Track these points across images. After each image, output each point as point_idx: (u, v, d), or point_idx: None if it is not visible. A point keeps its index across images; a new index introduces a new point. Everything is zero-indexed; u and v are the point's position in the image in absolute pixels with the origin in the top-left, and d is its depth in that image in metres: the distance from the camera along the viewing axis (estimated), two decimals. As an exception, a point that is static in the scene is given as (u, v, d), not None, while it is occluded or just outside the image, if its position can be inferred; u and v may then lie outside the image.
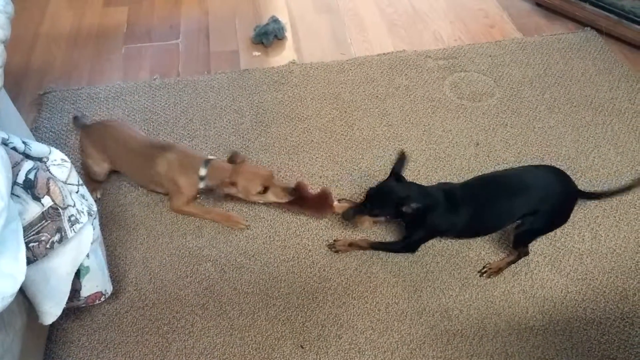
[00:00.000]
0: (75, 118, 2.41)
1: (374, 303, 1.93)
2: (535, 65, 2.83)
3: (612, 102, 2.63)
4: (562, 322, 1.89)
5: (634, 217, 2.17)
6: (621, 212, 2.18)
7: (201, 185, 2.06)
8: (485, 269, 2.00)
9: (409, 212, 1.81)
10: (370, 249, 2.05)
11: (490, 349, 1.82)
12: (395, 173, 1.93)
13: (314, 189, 2.14)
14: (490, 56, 2.88)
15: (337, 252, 2.05)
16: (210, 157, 2.11)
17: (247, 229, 2.12)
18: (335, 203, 2.10)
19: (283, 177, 2.30)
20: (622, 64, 2.82)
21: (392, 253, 2.06)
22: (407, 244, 2.00)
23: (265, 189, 2.01)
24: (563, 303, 1.93)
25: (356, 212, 1.95)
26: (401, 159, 1.98)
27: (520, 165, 2.28)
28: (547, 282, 1.98)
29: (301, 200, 2.07)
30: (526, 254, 1.98)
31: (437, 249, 2.07)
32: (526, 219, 1.89)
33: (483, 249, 2.07)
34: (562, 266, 2.03)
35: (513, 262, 1.99)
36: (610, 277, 2.00)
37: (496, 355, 1.81)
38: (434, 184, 2.04)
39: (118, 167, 2.21)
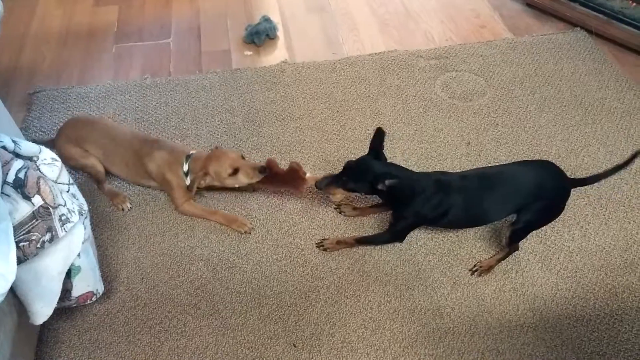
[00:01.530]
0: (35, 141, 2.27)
1: (366, 301, 1.94)
2: (525, 65, 2.85)
3: (601, 101, 2.65)
4: (553, 319, 1.90)
5: (623, 215, 2.19)
6: (610, 210, 2.20)
7: (187, 181, 2.06)
8: (476, 267, 2.01)
9: (383, 189, 1.80)
10: (357, 244, 2.06)
11: (482, 346, 1.83)
12: (374, 149, 1.89)
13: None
14: (481, 56, 2.90)
15: (325, 250, 2.06)
16: (192, 151, 2.11)
17: (250, 232, 2.12)
18: (308, 175, 2.08)
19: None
20: (611, 64, 2.85)
21: (379, 245, 2.06)
22: (393, 232, 1.99)
23: (235, 171, 2.00)
24: (553, 300, 1.95)
25: (330, 182, 1.90)
26: (379, 135, 1.89)
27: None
28: (538, 280, 2.00)
29: (274, 177, 2.07)
30: (516, 249, 2.00)
31: (428, 248, 2.08)
32: (521, 214, 1.89)
33: (474, 247, 2.08)
34: (552, 264, 2.04)
35: (503, 258, 2.00)
36: (600, 274, 2.02)
37: (487, 352, 1.82)
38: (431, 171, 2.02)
39: (102, 160, 2.18)
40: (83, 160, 2.15)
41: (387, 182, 1.77)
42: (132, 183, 2.25)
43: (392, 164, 1.92)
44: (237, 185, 2.08)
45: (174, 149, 2.13)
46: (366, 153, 1.91)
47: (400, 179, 1.81)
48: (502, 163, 2.34)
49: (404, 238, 2.01)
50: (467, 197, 1.88)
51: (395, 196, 1.87)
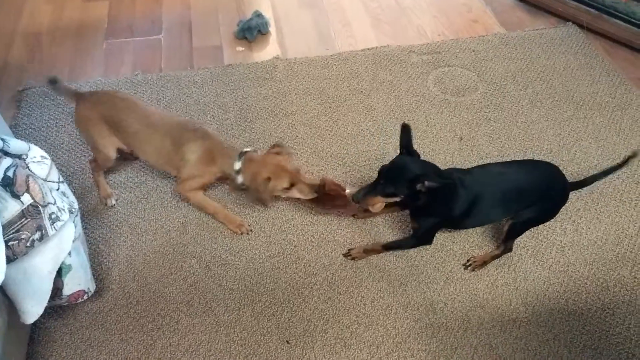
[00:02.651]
0: (53, 82, 2.07)
1: (360, 297, 1.94)
2: (517, 60, 2.85)
3: (593, 96, 2.66)
4: (545, 314, 1.91)
5: (615, 209, 2.20)
6: (602, 204, 2.21)
7: (239, 180, 2.00)
8: (469, 262, 2.02)
9: (423, 190, 1.66)
10: (384, 251, 2.02)
11: (475, 341, 1.84)
12: (406, 147, 1.76)
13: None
14: (473, 51, 2.90)
15: (353, 259, 2.03)
16: (246, 149, 2.05)
17: (248, 234, 2.10)
18: (347, 191, 1.99)
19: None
20: (602, 58, 2.86)
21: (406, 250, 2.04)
22: (421, 236, 1.92)
23: (292, 185, 1.96)
24: (545, 295, 1.96)
25: (367, 192, 1.75)
26: (406, 131, 1.76)
27: (505, 159, 2.31)
28: (530, 275, 2.01)
29: (323, 197, 2.02)
30: (510, 250, 2.00)
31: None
32: (523, 212, 1.88)
33: (467, 243, 2.09)
34: (544, 259, 2.05)
35: (498, 256, 2.00)
36: (592, 268, 2.03)
37: (480, 347, 1.83)
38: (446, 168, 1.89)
39: (131, 144, 2.07)
40: (101, 140, 2.03)
41: (426, 183, 1.64)
42: (157, 169, 2.18)
43: (428, 162, 1.80)
44: (284, 197, 2.05)
45: (221, 141, 2.05)
46: (398, 153, 1.79)
47: (440, 179, 1.70)
48: (494, 159, 2.35)
49: (432, 240, 1.94)
50: (489, 195, 1.82)
51: (432, 197, 1.72)
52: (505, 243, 1.98)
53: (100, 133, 2.03)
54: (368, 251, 2.03)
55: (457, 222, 1.93)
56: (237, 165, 2.00)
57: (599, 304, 1.94)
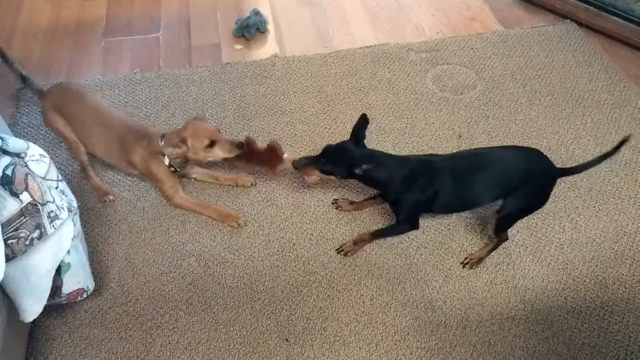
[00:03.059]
0: (24, 79, 2.30)
1: (359, 295, 1.94)
2: (516, 57, 2.85)
3: (591, 93, 2.66)
4: (544, 312, 1.91)
5: (613, 207, 2.20)
6: (600, 202, 2.22)
7: (165, 161, 2.03)
8: (467, 260, 2.02)
9: (360, 173, 1.82)
10: (373, 239, 2.04)
11: (473, 339, 1.84)
12: (355, 135, 1.88)
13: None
14: (471, 49, 2.90)
15: (346, 255, 2.04)
16: (165, 132, 2.08)
17: (245, 226, 2.11)
18: (286, 155, 2.07)
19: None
20: (601, 56, 2.86)
21: (395, 236, 2.07)
22: (404, 220, 1.96)
23: (212, 143, 1.97)
24: (544, 293, 1.96)
25: (307, 163, 1.90)
26: (362, 121, 1.89)
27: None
28: (529, 273, 2.01)
29: (251, 155, 2.07)
30: (505, 239, 2.00)
31: (420, 241, 2.08)
32: (507, 201, 1.89)
33: (466, 240, 2.09)
34: (543, 256, 2.05)
35: (493, 249, 2.01)
36: (590, 266, 2.03)
37: (479, 345, 1.83)
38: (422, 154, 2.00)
39: (84, 141, 2.17)
40: (65, 132, 2.15)
41: (364, 166, 1.79)
42: (113, 168, 2.23)
43: (372, 150, 1.92)
44: (211, 159, 2.04)
45: (152, 134, 2.08)
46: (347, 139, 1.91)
47: (377, 163, 1.82)
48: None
49: (417, 224, 1.97)
50: (456, 178, 1.85)
51: (374, 181, 1.89)
52: (497, 235, 1.98)
53: (59, 123, 2.14)
54: (357, 242, 2.03)
55: (433, 206, 1.93)
56: (162, 144, 2.00)
57: (598, 302, 1.94)
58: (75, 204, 1.61)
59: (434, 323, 1.88)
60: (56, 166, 1.63)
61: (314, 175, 1.93)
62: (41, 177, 1.49)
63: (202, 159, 2.02)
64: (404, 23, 3.12)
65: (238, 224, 2.10)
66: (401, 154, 2.00)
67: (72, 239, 1.54)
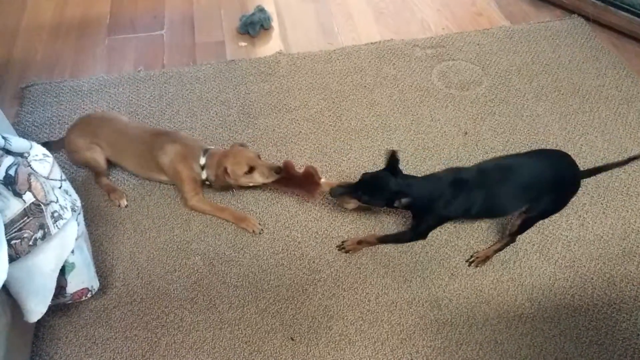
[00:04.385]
0: (47, 144, 2.21)
1: (364, 294, 1.93)
2: (522, 53, 2.83)
3: (599, 89, 2.63)
4: (551, 310, 1.90)
5: (621, 204, 2.18)
6: (608, 199, 2.19)
7: (203, 175, 2.07)
8: (472, 258, 2.00)
9: (399, 206, 1.79)
10: (379, 243, 2.02)
11: (480, 337, 1.83)
12: (391, 164, 1.84)
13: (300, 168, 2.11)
14: (478, 44, 2.87)
15: (347, 252, 2.03)
16: (209, 147, 2.13)
17: (261, 233, 2.09)
18: (323, 180, 2.06)
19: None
20: (609, 51, 2.83)
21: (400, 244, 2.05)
22: (417, 233, 1.95)
23: (251, 169, 2.00)
24: (551, 290, 1.94)
25: (345, 192, 1.88)
26: (393, 157, 1.85)
27: (510, 153, 2.28)
28: (536, 270, 1.99)
29: (289, 179, 2.06)
30: (513, 241, 1.99)
31: (426, 239, 2.05)
32: (536, 204, 1.86)
33: (472, 238, 2.07)
34: (550, 254, 2.03)
35: (500, 249, 1.99)
36: (598, 263, 2.01)
37: (485, 343, 1.82)
38: (442, 170, 1.94)
39: (116, 158, 2.18)
40: (88, 152, 2.13)
41: (403, 200, 1.77)
42: (144, 178, 2.22)
43: (409, 177, 1.86)
44: (251, 184, 2.07)
45: (189, 142, 2.13)
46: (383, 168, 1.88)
47: (415, 196, 1.78)
48: (499, 153, 2.33)
49: (427, 236, 1.96)
50: (488, 192, 1.82)
51: (414, 209, 1.88)
52: (515, 235, 1.96)
53: (84, 146, 2.14)
54: (362, 242, 2.02)
55: (461, 218, 1.93)
56: (202, 160, 2.06)
57: (606, 300, 1.92)
58: (79, 203, 1.61)
59: (440, 321, 1.87)
60: (60, 165, 1.62)
61: (351, 204, 1.92)
62: (44, 177, 1.49)
63: (242, 184, 2.06)
64: (409, 19, 3.10)
65: (253, 231, 2.08)
66: (431, 172, 1.95)
67: (76, 239, 1.54)
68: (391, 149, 1.88)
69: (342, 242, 2.05)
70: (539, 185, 1.84)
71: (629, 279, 1.97)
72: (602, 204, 2.18)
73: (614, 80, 2.67)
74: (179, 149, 2.08)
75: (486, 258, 1.99)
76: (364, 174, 1.88)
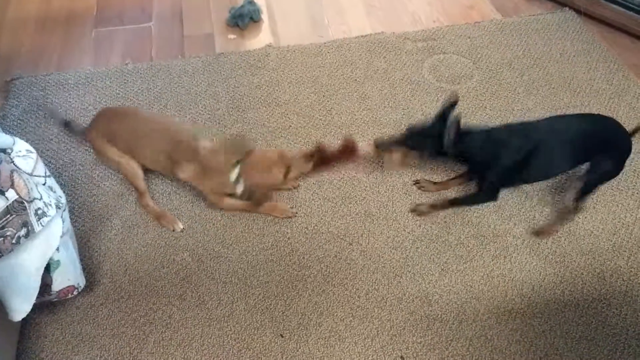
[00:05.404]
0: (67, 124, 2.19)
1: (354, 290, 1.92)
2: (514, 46, 2.81)
3: (589, 83, 2.63)
4: (541, 305, 1.90)
5: (611, 198, 2.18)
6: (598, 193, 2.19)
7: (239, 189, 1.96)
8: (537, 232, 2.03)
9: (451, 153, 1.74)
10: (451, 206, 2.06)
11: (470, 333, 1.83)
12: (444, 113, 1.80)
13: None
14: (469, 38, 2.85)
15: (420, 215, 2.06)
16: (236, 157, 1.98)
17: (294, 216, 2.09)
18: (361, 144, 2.01)
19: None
20: (599, 44, 2.82)
21: (471, 206, 2.07)
22: (487, 190, 1.94)
23: (288, 169, 1.91)
24: (541, 286, 1.94)
25: (393, 143, 1.81)
26: (451, 104, 1.82)
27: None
28: (526, 266, 1.99)
29: (326, 159, 1.99)
30: (577, 209, 2.00)
31: (416, 234, 2.06)
32: (594, 163, 1.87)
33: (462, 233, 2.07)
34: (540, 249, 2.03)
35: (569, 218, 2.01)
36: (588, 258, 2.01)
37: (475, 339, 1.81)
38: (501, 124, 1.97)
39: (135, 154, 2.03)
40: (117, 158, 2.02)
41: (453, 146, 1.73)
42: (163, 175, 2.15)
43: (462, 128, 1.84)
44: (292, 181, 2.07)
45: (209, 159, 1.94)
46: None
47: (468, 138, 1.75)
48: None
49: (497, 196, 1.94)
50: (548, 143, 1.83)
51: (471, 153, 1.83)
52: (578, 202, 1.97)
53: (109, 151, 2.03)
54: (435, 207, 2.06)
55: (518, 175, 1.92)
56: (234, 175, 1.93)
57: (595, 295, 1.93)
58: (64, 200, 1.58)
59: (430, 317, 1.86)
60: (46, 160, 1.60)
61: (397, 154, 1.84)
62: (28, 174, 1.46)
63: (285, 184, 2.04)
64: (400, 12, 3.07)
65: (286, 216, 2.09)
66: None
67: (61, 236, 1.52)
68: (452, 100, 1.82)
69: (416, 205, 2.07)
70: (594, 142, 1.87)
71: (618, 274, 1.98)
72: (592, 199, 2.17)
73: (605, 74, 2.67)
74: (217, 146, 1.97)
75: (554, 232, 2.02)
76: (410, 125, 1.84)
